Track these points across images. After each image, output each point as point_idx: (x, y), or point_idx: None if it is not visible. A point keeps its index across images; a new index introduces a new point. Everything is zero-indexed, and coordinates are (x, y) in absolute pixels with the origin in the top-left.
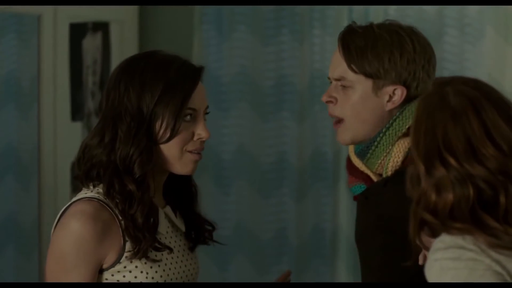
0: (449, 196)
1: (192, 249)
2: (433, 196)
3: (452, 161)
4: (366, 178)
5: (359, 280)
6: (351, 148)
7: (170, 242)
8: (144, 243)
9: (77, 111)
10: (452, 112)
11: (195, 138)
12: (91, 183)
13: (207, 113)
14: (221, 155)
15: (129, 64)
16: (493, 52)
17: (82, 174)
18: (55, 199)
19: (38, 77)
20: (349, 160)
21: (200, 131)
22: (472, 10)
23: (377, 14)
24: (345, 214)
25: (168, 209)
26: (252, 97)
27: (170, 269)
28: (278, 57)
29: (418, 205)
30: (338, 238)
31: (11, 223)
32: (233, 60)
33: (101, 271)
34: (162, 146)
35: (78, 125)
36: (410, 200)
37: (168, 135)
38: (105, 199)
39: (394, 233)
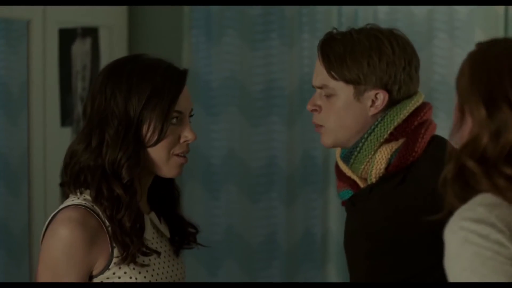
0: (510, 137)
1: (177, 253)
2: (485, 139)
3: None
4: (353, 183)
5: None
6: (338, 153)
7: (156, 248)
8: (132, 247)
9: (66, 117)
10: None
11: (182, 140)
12: (78, 190)
13: (191, 116)
14: (210, 159)
15: (114, 68)
16: None
17: (69, 180)
18: (45, 204)
19: (27, 83)
20: (337, 165)
21: (187, 134)
22: (462, 13)
23: (367, 18)
24: (335, 218)
25: (152, 215)
26: (241, 102)
27: (158, 274)
28: (267, 62)
29: (463, 150)
30: (328, 242)
31: (1, 229)
32: (222, 64)
33: (90, 277)
34: (150, 150)
35: (67, 131)
36: (395, 207)
37: (155, 138)
38: (92, 206)
39: (380, 240)
